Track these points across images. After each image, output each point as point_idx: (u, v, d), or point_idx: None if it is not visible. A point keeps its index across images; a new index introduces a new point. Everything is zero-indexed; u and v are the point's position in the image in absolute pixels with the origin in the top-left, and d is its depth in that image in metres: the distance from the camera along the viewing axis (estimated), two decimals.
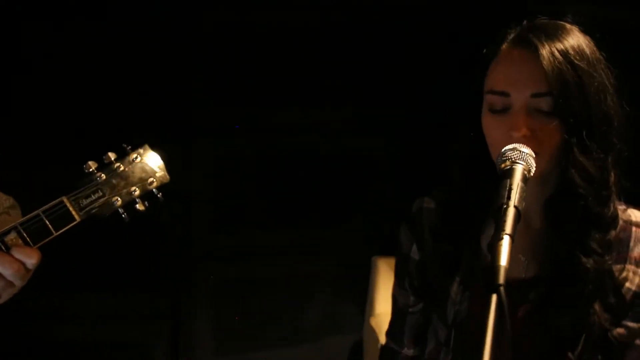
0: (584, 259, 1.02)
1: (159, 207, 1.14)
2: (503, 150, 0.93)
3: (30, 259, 0.98)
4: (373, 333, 2.55)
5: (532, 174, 0.91)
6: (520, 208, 0.83)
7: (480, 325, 1.11)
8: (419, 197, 1.29)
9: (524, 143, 0.95)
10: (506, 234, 0.79)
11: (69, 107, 2.27)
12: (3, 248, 0.97)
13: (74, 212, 1.03)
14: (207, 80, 2.59)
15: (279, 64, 2.66)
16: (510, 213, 0.82)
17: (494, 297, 0.73)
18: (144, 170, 1.12)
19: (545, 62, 0.97)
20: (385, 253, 2.80)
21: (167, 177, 1.14)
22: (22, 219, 0.99)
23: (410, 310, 1.24)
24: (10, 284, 0.97)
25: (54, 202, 1.02)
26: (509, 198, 0.84)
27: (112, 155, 1.11)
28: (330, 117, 2.78)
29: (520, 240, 1.12)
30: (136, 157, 1.12)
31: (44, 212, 1.00)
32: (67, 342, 2.52)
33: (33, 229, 1.00)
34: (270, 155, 2.76)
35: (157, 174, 1.13)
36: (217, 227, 2.77)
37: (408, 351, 1.25)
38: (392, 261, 2.72)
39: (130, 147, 1.14)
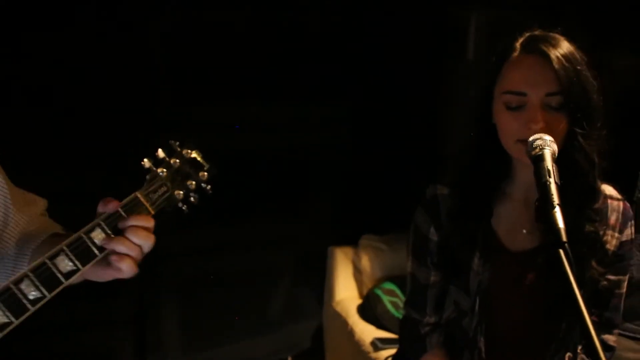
0: (586, 225, 1.24)
1: None
2: (531, 139, 1.10)
3: (151, 223, 1.05)
4: (338, 317, 2.71)
5: (556, 156, 1.10)
6: (559, 183, 1.01)
7: (503, 289, 1.32)
8: (430, 184, 1.42)
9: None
10: (557, 204, 0.97)
11: (53, 109, 2.20)
12: (92, 243, 1.00)
13: (148, 206, 1.07)
14: (168, 79, 2.60)
15: (235, 62, 2.72)
16: (554, 187, 1.00)
17: (562, 252, 0.90)
18: (195, 164, 1.18)
19: (557, 67, 1.16)
20: (338, 243, 2.97)
21: (215, 170, 1.21)
22: (103, 215, 1.02)
23: (430, 284, 1.40)
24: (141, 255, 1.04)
25: (129, 198, 1.05)
26: (549, 176, 1.02)
27: (161, 153, 1.16)
28: (284, 113, 2.88)
29: (522, 217, 1.33)
30: (187, 153, 1.18)
31: (122, 207, 1.04)
32: (31, 353, 2.42)
33: (115, 224, 1.03)
34: (225, 152, 2.80)
35: (206, 168, 1.19)
36: (176, 225, 2.78)
37: (430, 319, 1.41)
38: (347, 250, 2.92)
39: (178, 143, 1.19)
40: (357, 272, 2.85)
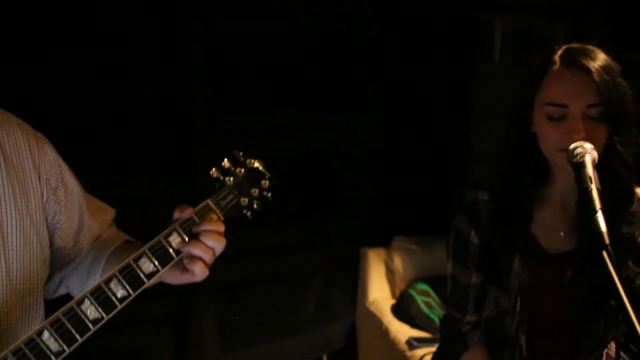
0: (623, 227, 1.31)
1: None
2: (572, 147, 1.17)
3: (222, 227, 1.14)
4: (372, 316, 2.80)
5: (596, 162, 1.17)
6: (600, 189, 1.09)
7: (543, 289, 1.39)
8: (469, 189, 1.49)
9: None
10: (599, 208, 1.04)
11: (74, 115, 2.32)
12: (170, 247, 1.10)
13: (218, 212, 1.17)
14: (203, 87, 2.72)
15: (268, 71, 2.83)
16: (595, 193, 1.07)
17: (605, 253, 0.98)
18: (257, 173, 1.28)
19: (597, 79, 1.23)
20: (370, 244, 3.06)
21: (276, 178, 1.31)
22: (179, 221, 1.12)
23: (472, 284, 1.47)
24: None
25: (201, 205, 1.15)
26: (591, 182, 1.09)
27: (227, 162, 1.26)
28: (319, 118, 2.98)
29: (559, 220, 1.41)
30: (250, 162, 1.28)
31: (195, 213, 1.14)
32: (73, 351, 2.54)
33: (190, 229, 1.13)
34: (262, 157, 2.91)
35: (268, 176, 1.29)
36: None
37: (471, 318, 1.48)
38: (380, 251, 3.01)
39: (242, 153, 1.29)
40: (390, 273, 2.93)
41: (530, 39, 3.25)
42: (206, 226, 1.13)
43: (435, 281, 2.69)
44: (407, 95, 3.10)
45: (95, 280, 1.23)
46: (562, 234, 1.40)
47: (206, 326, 2.87)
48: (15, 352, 0.96)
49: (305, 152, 2.95)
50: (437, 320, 2.53)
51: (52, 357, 0.98)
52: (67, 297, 1.29)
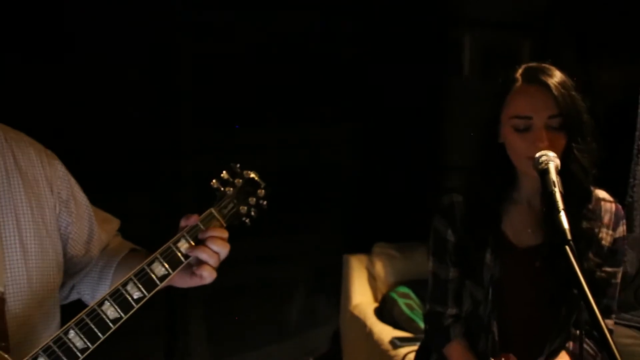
0: (583, 222, 1.46)
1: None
2: (537, 156, 1.33)
3: (225, 234, 1.24)
4: (356, 319, 2.91)
5: (559, 169, 1.32)
6: (562, 192, 1.23)
7: (513, 280, 1.53)
8: (446, 194, 1.63)
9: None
10: (562, 209, 1.18)
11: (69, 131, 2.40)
12: (179, 252, 1.21)
13: (220, 220, 1.28)
14: (189, 106, 2.82)
15: (249, 89, 2.95)
16: (558, 195, 1.22)
17: (567, 248, 1.12)
18: (254, 183, 1.39)
19: (556, 94, 1.39)
20: (352, 251, 3.18)
21: (269, 188, 1.42)
22: (187, 228, 1.23)
23: (450, 279, 1.61)
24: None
25: (205, 213, 1.26)
26: (555, 186, 1.24)
27: (225, 174, 1.37)
28: (298, 131, 3.11)
29: (527, 218, 1.56)
30: (247, 173, 1.39)
31: (200, 221, 1.24)
32: None
33: (196, 235, 1.24)
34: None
35: (263, 186, 1.40)
36: None
37: (452, 310, 1.62)
38: (361, 257, 3.13)
39: (238, 165, 1.40)
40: (372, 278, 3.05)
41: (498, 53, 3.44)
42: (211, 232, 1.23)
43: (415, 285, 2.82)
44: (383, 109, 3.25)
45: (106, 286, 1.32)
46: (529, 230, 1.55)
47: (195, 335, 2.95)
48: (45, 350, 1.05)
49: (286, 164, 3.06)
50: (418, 320, 2.67)
51: (78, 353, 1.08)
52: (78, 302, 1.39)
